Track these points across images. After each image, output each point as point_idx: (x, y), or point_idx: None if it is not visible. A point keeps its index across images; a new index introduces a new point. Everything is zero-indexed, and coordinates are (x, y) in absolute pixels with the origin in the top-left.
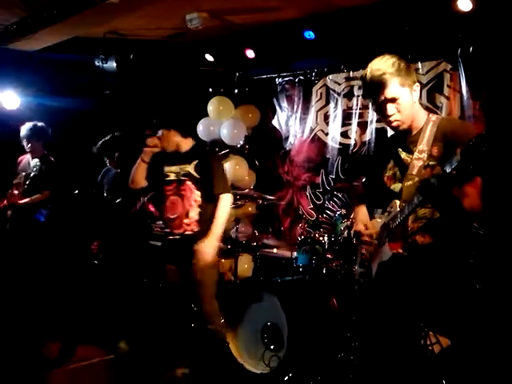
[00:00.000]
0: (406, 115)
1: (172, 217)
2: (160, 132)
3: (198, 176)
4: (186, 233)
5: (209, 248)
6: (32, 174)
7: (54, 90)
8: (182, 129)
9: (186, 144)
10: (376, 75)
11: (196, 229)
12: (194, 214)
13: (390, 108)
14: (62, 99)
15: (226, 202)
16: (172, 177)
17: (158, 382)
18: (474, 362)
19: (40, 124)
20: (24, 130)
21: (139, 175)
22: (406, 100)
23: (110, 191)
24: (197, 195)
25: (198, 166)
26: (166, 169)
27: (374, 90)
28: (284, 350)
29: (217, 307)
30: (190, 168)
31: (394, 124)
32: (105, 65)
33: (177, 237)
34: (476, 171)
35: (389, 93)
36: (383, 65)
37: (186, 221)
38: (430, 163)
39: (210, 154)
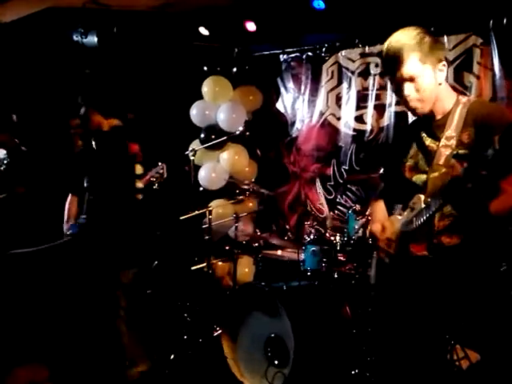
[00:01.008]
0: (427, 98)
1: None
2: (82, 110)
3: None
4: None
5: None
6: (2, 168)
7: (27, 68)
8: (102, 108)
9: (107, 125)
10: (393, 48)
11: None
12: None
13: (408, 88)
14: (36, 78)
15: None
16: None
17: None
18: (507, 379)
19: None
20: None
21: None
22: (427, 80)
23: None
24: None
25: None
26: None
27: (391, 65)
28: (290, 366)
29: None
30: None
31: (412, 105)
32: (84, 39)
33: None
34: None
35: (406, 70)
36: (403, 36)
37: None
38: (460, 152)
39: (111, 139)
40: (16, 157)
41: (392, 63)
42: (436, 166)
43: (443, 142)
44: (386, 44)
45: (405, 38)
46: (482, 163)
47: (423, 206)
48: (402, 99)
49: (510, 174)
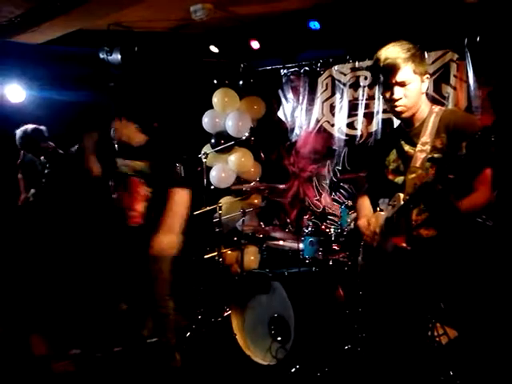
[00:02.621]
0: (412, 103)
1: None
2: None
3: (149, 173)
4: (132, 225)
5: (163, 239)
6: (46, 172)
7: (58, 83)
8: (136, 121)
9: (139, 138)
10: (390, 59)
11: (141, 222)
12: (140, 207)
13: (398, 92)
14: (66, 92)
15: (177, 196)
16: (123, 170)
17: None
18: (482, 353)
19: (31, 127)
20: (18, 139)
21: (91, 163)
22: (414, 87)
23: None
24: (145, 190)
25: (153, 163)
26: (118, 162)
27: (386, 73)
28: (291, 342)
29: (168, 292)
30: (143, 165)
31: (399, 109)
32: (109, 57)
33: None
34: (483, 164)
35: (400, 76)
36: (398, 49)
37: (131, 213)
38: (435, 155)
39: (164, 152)
40: (55, 160)
41: (388, 71)
42: (413, 168)
43: (419, 147)
44: (382, 55)
45: (400, 51)
46: (452, 166)
47: (402, 203)
48: (389, 103)
49: (478, 174)
